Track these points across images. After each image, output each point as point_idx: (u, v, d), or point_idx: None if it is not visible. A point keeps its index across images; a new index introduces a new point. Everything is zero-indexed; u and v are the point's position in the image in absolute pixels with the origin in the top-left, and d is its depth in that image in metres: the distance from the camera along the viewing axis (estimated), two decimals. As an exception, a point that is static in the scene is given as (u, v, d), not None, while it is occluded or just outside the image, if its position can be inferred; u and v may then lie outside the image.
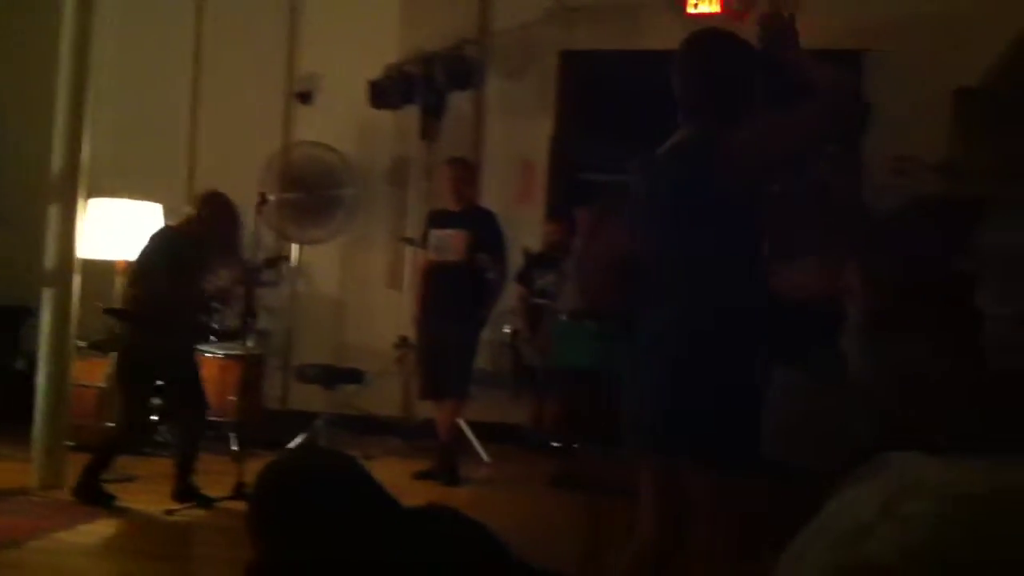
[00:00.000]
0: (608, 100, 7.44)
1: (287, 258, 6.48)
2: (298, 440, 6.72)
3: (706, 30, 2.96)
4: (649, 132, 6.75)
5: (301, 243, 7.40)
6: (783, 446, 3.98)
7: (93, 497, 5.18)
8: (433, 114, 7.41)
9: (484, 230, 6.30)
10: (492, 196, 7.34)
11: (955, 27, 6.44)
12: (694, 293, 2.74)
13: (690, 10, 7.51)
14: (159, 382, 5.56)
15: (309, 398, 7.18)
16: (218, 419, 6.60)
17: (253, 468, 4.69)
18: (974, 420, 3.10)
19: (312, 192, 7.25)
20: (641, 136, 6.91)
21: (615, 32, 7.73)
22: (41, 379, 5.59)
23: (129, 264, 5.65)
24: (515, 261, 6.91)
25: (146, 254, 5.37)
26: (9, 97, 7.68)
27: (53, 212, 5.64)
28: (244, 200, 5.96)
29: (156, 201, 6.68)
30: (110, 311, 5.57)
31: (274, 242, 7.31)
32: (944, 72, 5.74)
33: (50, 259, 5.64)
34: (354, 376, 7.13)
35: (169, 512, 5.13)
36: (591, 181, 7.23)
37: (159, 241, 5.40)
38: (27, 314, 7.14)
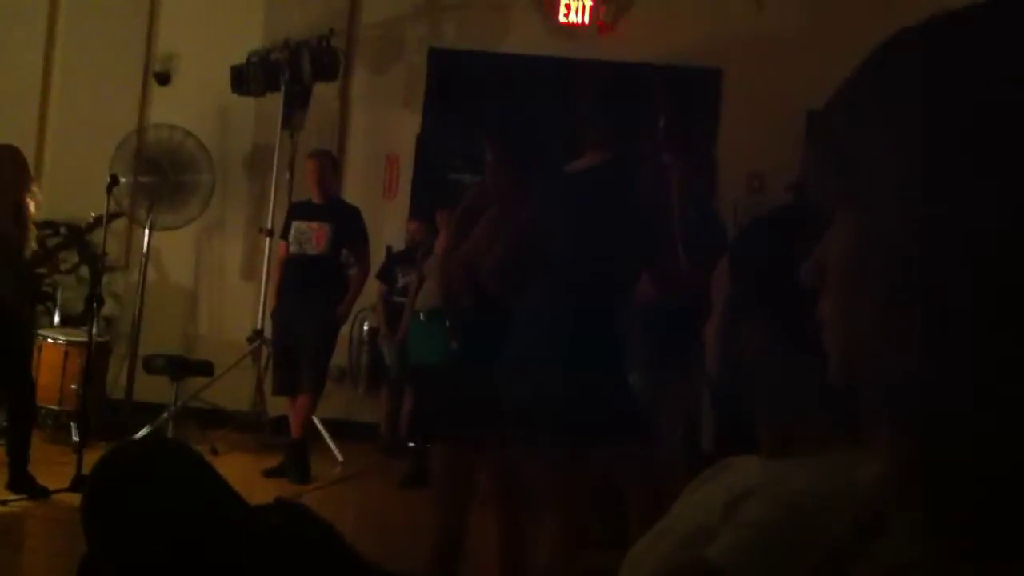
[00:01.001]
0: (475, 101, 7.45)
1: (116, 215, 6.18)
2: (143, 432, 6.50)
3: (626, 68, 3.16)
4: (510, 133, 6.77)
5: (154, 228, 7.17)
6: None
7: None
8: (297, 104, 7.27)
9: (347, 225, 6.22)
10: (355, 190, 7.26)
11: (813, 48, 6.66)
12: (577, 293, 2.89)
13: (560, 19, 7.58)
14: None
15: (156, 389, 6.96)
16: (59, 408, 6.35)
17: (93, 460, 4.55)
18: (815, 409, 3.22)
19: (167, 176, 7.03)
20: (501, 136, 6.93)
21: (483, 33, 7.76)
22: None
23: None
24: (377, 258, 6.85)
25: None
26: None
27: None
28: (96, 180, 5.76)
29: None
30: None
31: (125, 226, 7.07)
32: (799, 92, 5.92)
33: None
34: (204, 368, 6.94)
35: (1, 503, 4.90)
36: (456, 181, 7.22)
37: None
38: None
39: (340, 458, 6.66)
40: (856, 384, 0.68)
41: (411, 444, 6.38)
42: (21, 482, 5.08)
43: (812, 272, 0.71)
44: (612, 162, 2.93)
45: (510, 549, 3.39)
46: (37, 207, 5.33)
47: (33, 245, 5.36)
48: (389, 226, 7.37)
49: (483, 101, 7.19)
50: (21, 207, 5.20)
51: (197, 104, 7.51)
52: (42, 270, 5.54)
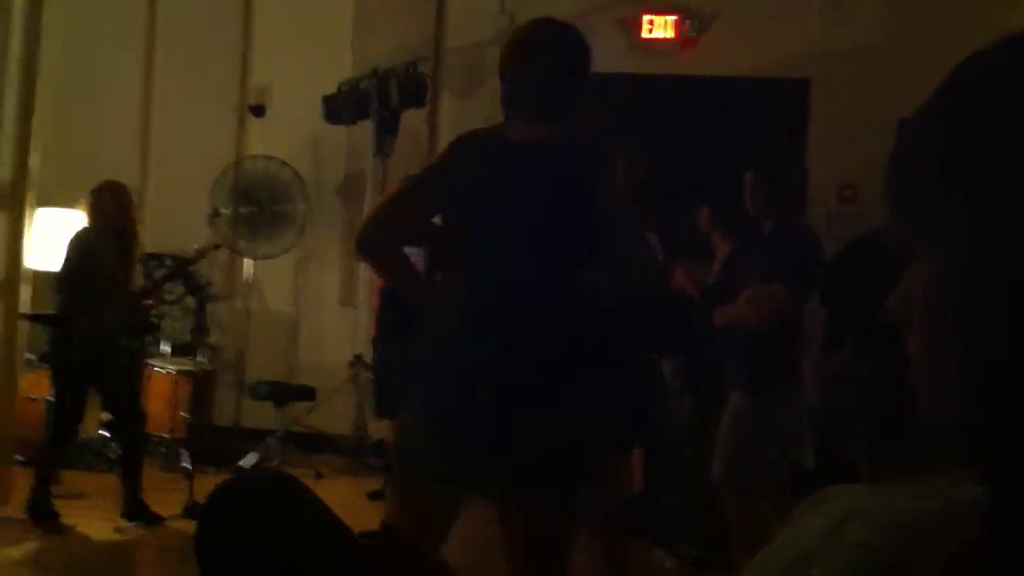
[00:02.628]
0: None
1: (218, 246, 6.39)
2: (249, 458, 6.67)
3: (564, 24, 2.78)
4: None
5: (253, 258, 7.37)
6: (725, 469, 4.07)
7: (40, 514, 5.11)
8: (387, 131, 7.42)
9: (441, 248, 6.30)
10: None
11: (901, 55, 6.58)
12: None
13: (644, 35, 7.60)
14: (95, 389, 5.50)
15: (261, 415, 7.14)
16: (170, 436, 6.56)
17: (204, 486, 4.71)
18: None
19: (264, 206, 7.22)
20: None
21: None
22: (-13, 392, 5.52)
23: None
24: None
25: (65, 259, 5.35)
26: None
27: (0, 222, 5.59)
28: (197, 212, 5.96)
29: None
30: (31, 317, 5.51)
31: (227, 256, 7.27)
32: (889, 101, 5.84)
33: (-4, 269, 5.59)
34: (306, 393, 7.11)
35: (117, 530, 5.08)
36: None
37: (72, 244, 5.37)
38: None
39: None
40: (947, 416, 0.70)
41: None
42: (135, 510, 5.26)
43: (898, 307, 0.73)
44: (560, 137, 2.60)
45: None
46: (142, 240, 5.53)
47: (140, 278, 5.57)
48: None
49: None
50: (126, 241, 5.41)
51: (291, 134, 7.70)
52: (149, 301, 5.75)
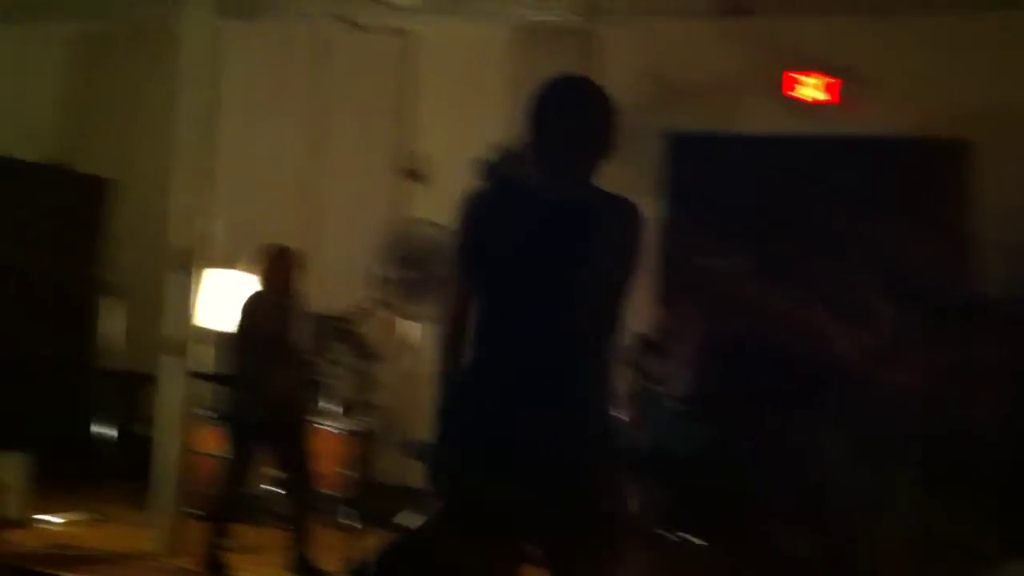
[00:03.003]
0: (713, 182, 7.50)
1: (379, 308, 6.56)
2: (404, 515, 6.76)
3: (583, 79, 2.83)
4: (753, 214, 6.79)
5: (415, 320, 7.51)
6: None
7: (212, 567, 5.29)
8: (542, 194, 7.50)
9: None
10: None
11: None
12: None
13: (799, 96, 7.56)
14: (268, 447, 5.70)
15: (421, 474, 7.23)
16: (334, 493, 6.70)
17: (369, 543, 4.81)
18: None
19: (426, 270, 7.37)
20: (745, 218, 6.96)
21: (720, 114, 7.81)
22: (159, 445, 5.76)
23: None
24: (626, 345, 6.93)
25: (238, 319, 5.54)
26: (127, 173, 7.99)
27: (171, 282, 5.86)
28: (357, 274, 6.13)
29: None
30: (202, 375, 5.72)
31: (390, 319, 7.42)
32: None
33: (169, 328, 5.84)
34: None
35: (285, 586, 5.23)
36: (699, 266, 7.24)
37: (245, 305, 5.57)
38: (147, 381, 7.38)
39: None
40: None
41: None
42: (302, 565, 5.40)
43: None
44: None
45: None
46: (307, 302, 5.72)
47: (306, 339, 5.75)
48: (634, 314, 7.43)
49: (723, 183, 7.26)
50: (292, 303, 5.60)
51: (452, 199, 7.85)
52: (315, 361, 5.94)
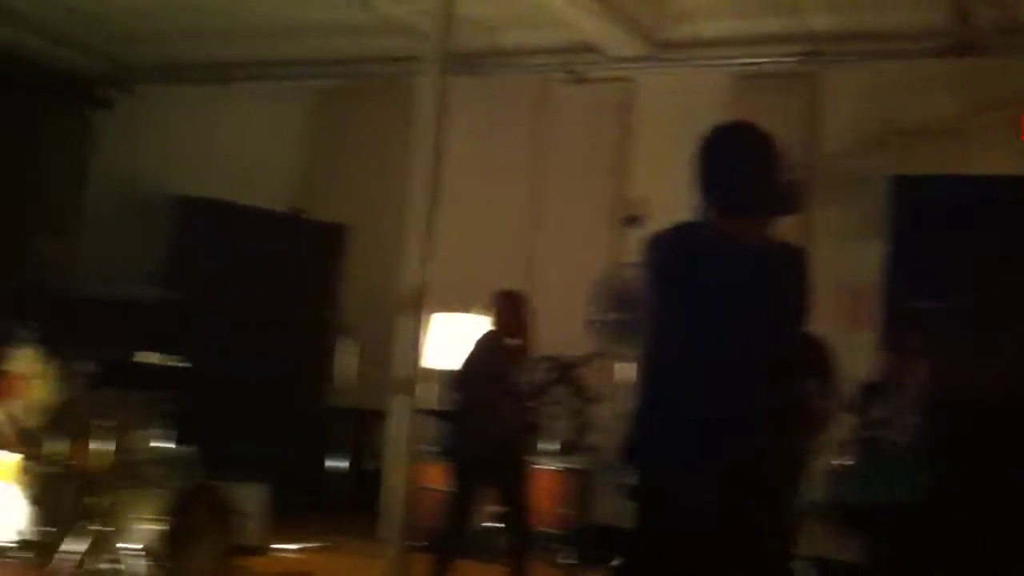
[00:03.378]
0: (939, 225, 7.27)
1: (601, 355, 6.66)
2: (618, 560, 6.79)
3: (749, 124, 2.89)
4: (983, 257, 6.52)
5: (629, 362, 7.57)
6: None
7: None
8: (765, 238, 7.43)
9: (813, 358, 6.22)
10: (821, 323, 7.23)
11: None
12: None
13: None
14: (491, 485, 5.86)
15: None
16: (552, 530, 6.81)
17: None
18: None
19: (639, 313, 7.43)
20: (974, 260, 6.68)
21: (946, 156, 7.56)
22: (388, 480, 6.00)
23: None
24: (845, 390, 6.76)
25: (466, 359, 5.70)
26: (361, 220, 8.42)
27: (402, 324, 6.13)
28: (575, 318, 6.25)
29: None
30: (431, 412, 5.90)
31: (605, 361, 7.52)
32: None
33: (398, 367, 6.10)
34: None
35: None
36: (924, 309, 7.01)
37: (476, 346, 5.72)
38: (377, 418, 7.73)
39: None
40: None
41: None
42: (522, 600, 5.51)
43: None
44: None
45: None
46: (535, 346, 5.87)
47: (530, 380, 5.90)
48: (857, 359, 7.25)
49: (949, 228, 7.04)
50: (523, 346, 5.76)
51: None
52: (537, 402, 6.08)
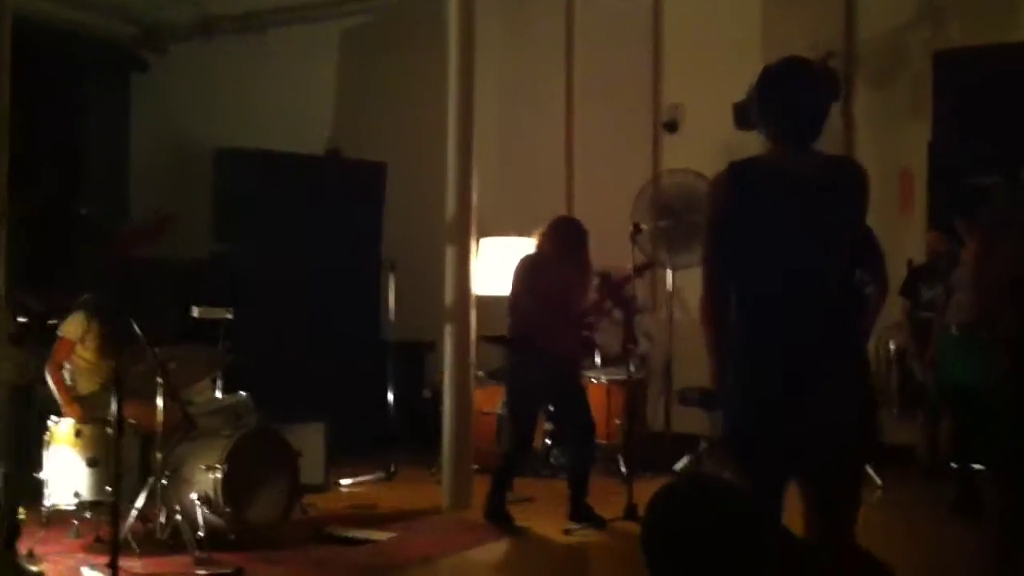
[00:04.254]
0: (987, 98, 7.04)
1: (650, 265, 6.64)
2: (682, 463, 6.84)
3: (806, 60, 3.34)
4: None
5: (675, 269, 7.55)
6: None
7: (497, 518, 5.56)
8: (805, 130, 7.30)
9: (860, 243, 6.12)
10: (869, 208, 7.09)
11: None
12: None
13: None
14: (547, 405, 5.89)
15: (691, 421, 7.29)
16: (607, 442, 6.88)
17: (641, 490, 4.93)
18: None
19: (682, 218, 7.38)
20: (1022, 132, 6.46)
21: (990, 25, 7.32)
22: (446, 407, 6.10)
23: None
24: (897, 274, 6.66)
25: (512, 283, 5.72)
26: (398, 157, 8.43)
27: (449, 253, 6.16)
28: (620, 230, 6.22)
29: (539, 237, 7.07)
30: (487, 339, 5.94)
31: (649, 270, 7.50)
32: None
33: (449, 297, 6.15)
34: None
35: (566, 532, 5.42)
36: (975, 185, 6.83)
37: (519, 269, 5.73)
38: (430, 348, 7.82)
39: (879, 482, 6.52)
40: None
41: (953, 466, 6.10)
42: (582, 512, 5.58)
43: None
44: None
45: None
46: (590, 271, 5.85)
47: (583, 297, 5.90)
48: (908, 240, 7.12)
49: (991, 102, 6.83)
50: (581, 269, 5.76)
51: (704, 146, 7.80)
52: (591, 320, 6.11)
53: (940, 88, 7.46)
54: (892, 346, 7.14)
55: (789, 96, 3.09)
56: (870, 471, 6.56)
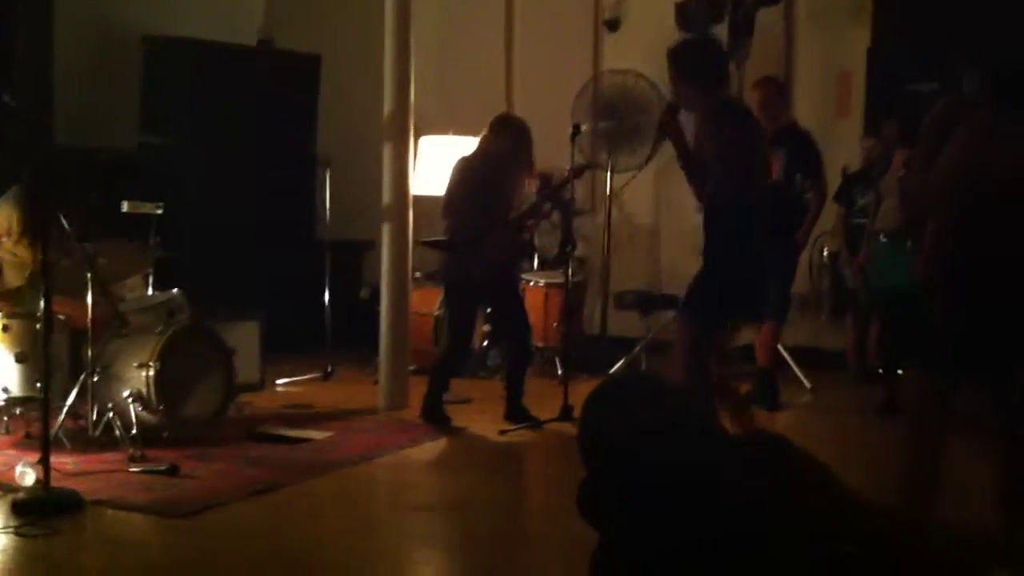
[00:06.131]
0: (929, 4, 7.05)
1: (589, 166, 6.60)
2: (619, 365, 6.92)
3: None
4: (971, 35, 6.32)
5: (615, 171, 7.52)
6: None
7: (434, 417, 5.58)
8: (742, 33, 7.26)
9: (800, 150, 6.15)
10: (808, 113, 7.12)
11: None
12: None
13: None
14: (485, 307, 5.85)
15: (628, 324, 7.35)
16: (543, 344, 6.92)
17: (577, 391, 4.98)
18: None
19: (623, 119, 7.33)
20: (963, 40, 6.50)
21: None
22: (384, 308, 6.06)
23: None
24: (834, 179, 6.71)
25: (449, 184, 5.64)
26: (334, 50, 8.20)
27: (387, 151, 6.04)
28: (559, 130, 6.16)
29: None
30: (426, 243, 5.89)
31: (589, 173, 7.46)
32: None
33: (386, 196, 6.06)
34: (670, 302, 7.22)
35: (502, 432, 5.47)
36: (913, 91, 6.87)
37: (458, 170, 5.65)
38: (368, 247, 7.73)
39: (808, 385, 6.67)
40: None
41: (880, 371, 6.25)
42: (518, 413, 5.63)
43: None
44: None
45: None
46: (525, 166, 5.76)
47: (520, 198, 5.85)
48: (844, 146, 7.16)
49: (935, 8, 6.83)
50: (519, 170, 5.68)
51: (646, 45, 7.71)
52: (527, 223, 6.07)
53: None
54: (825, 252, 7.23)
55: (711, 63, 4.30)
56: (798, 373, 6.71)
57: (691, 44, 4.75)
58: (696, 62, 4.36)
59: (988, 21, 6.44)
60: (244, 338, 5.80)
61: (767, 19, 7.42)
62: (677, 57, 4.41)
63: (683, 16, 7.42)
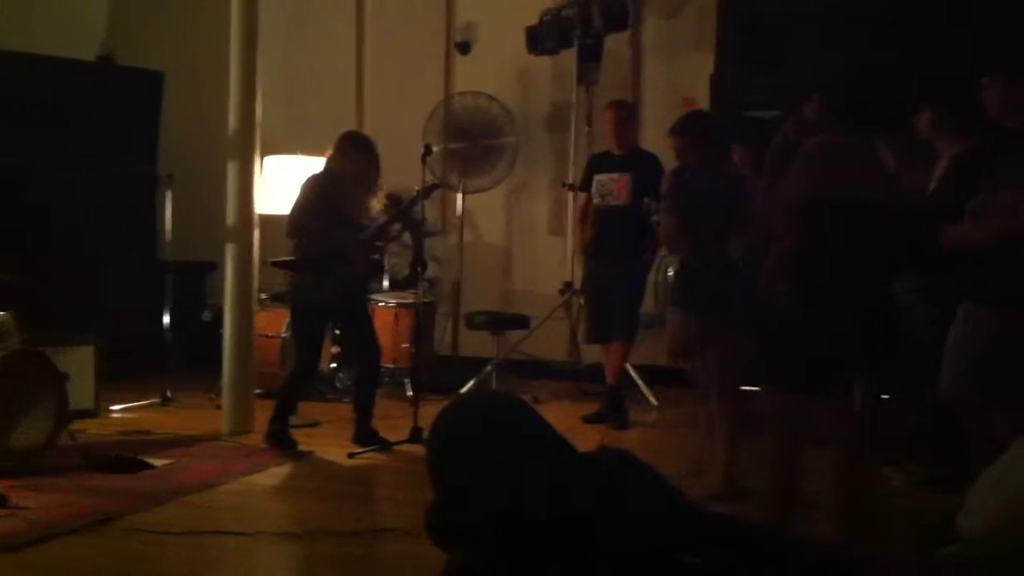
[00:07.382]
0: (772, 31, 7.29)
1: (439, 185, 6.56)
2: (470, 385, 6.89)
3: None
4: (812, 63, 6.54)
5: (465, 192, 7.52)
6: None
7: (280, 442, 5.44)
8: (591, 58, 7.37)
9: (648, 173, 6.26)
10: (655, 137, 7.25)
11: None
12: None
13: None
14: (333, 327, 5.73)
15: (479, 344, 7.34)
16: (394, 366, 6.85)
17: (428, 412, 4.90)
18: None
19: (475, 141, 7.34)
20: (803, 69, 6.73)
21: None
22: (227, 330, 5.87)
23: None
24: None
25: (295, 202, 5.53)
26: (178, 64, 7.99)
27: (231, 170, 5.88)
28: (411, 151, 6.12)
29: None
30: (274, 263, 5.77)
31: (440, 192, 7.43)
32: None
33: (230, 216, 5.89)
34: (521, 322, 7.26)
35: (350, 455, 5.36)
36: (755, 118, 7.08)
37: (304, 189, 5.55)
38: (211, 268, 7.51)
39: (655, 403, 6.77)
40: None
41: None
42: (367, 436, 5.54)
43: None
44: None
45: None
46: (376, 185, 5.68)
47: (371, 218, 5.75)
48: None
49: (775, 37, 7.05)
50: (368, 189, 5.59)
51: (497, 69, 7.78)
52: (380, 244, 5.99)
53: (724, 19, 7.68)
54: (670, 272, 7.36)
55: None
56: (645, 391, 6.81)
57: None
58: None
59: (828, 49, 6.68)
60: (78, 363, 5.55)
61: (615, 45, 7.56)
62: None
63: (533, 40, 7.49)
